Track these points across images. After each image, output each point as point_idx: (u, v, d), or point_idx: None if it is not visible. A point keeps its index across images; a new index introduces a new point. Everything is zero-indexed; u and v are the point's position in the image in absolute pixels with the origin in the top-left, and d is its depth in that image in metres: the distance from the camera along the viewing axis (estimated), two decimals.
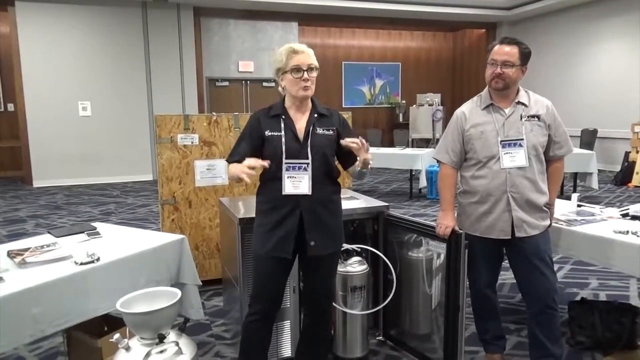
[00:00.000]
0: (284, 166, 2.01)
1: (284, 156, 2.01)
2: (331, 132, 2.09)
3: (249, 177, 1.88)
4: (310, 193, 2.01)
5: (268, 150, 2.05)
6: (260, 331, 2.13)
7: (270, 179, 2.06)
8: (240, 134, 2.17)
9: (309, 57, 2.02)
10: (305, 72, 1.99)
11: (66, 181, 8.66)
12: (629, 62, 8.76)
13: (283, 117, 2.07)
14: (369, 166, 2.05)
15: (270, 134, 2.05)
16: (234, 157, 2.08)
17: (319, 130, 2.06)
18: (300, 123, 2.07)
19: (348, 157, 2.14)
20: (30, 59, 8.31)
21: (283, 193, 2.01)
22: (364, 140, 1.97)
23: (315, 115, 2.09)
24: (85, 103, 8.72)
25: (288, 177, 2.01)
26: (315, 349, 2.24)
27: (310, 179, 2.01)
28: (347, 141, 1.98)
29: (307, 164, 2.01)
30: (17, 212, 6.49)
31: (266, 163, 1.92)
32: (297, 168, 2.02)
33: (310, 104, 2.12)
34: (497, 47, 2.23)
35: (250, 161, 1.91)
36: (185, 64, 9.25)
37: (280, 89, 2.10)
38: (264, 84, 10.18)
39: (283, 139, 2.03)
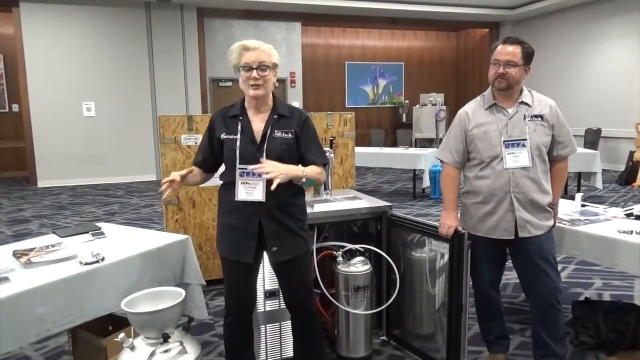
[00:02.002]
0: (238, 171, 1.94)
1: (237, 161, 1.95)
2: (290, 135, 1.99)
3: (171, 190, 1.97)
4: (263, 200, 1.94)
5: (225, 153, 2.00)
6: (239, 332, 2.13)
7: (228, 183, 2.00)
8: (203, 134, 2.13)
9: (262, 54, 1.91)
10: (255, 71, 1.90)
11: (70, 181, 8.70)
12: (633, 61, 8.72)
13: (241, 118, 1.99)
14: (301, 180, 1.94)
15: (226, 137, 1.99)
16: (196, 157, 2.15)
17: (277, 133, 1.97)
18: (259, 124, 1.99)
19: (304, 159, 2.04)
20: (35, 59, 8.34)
21: (236, 199, 1.95)
22: (260, 167, 1.84)
23: (275, 116, 1.99)
24: (89, 103, 8.75)
25: (242, 182, 1.94)
26: (308, 348, 2.22)
27: (264, 185, 1.92)
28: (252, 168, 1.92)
29: None
30: (21, 212, 6.52)
31: (179, 176, 1.99)
32: (251, 174, 1.93)
33: (271, 103, 2.03)
34: (500, 47, 2.23)
35: (174, 175, 1.98)
36: (189, 64, 9.28)
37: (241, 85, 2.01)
38: None
39: (238, 143, 1.95)
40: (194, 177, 2.16)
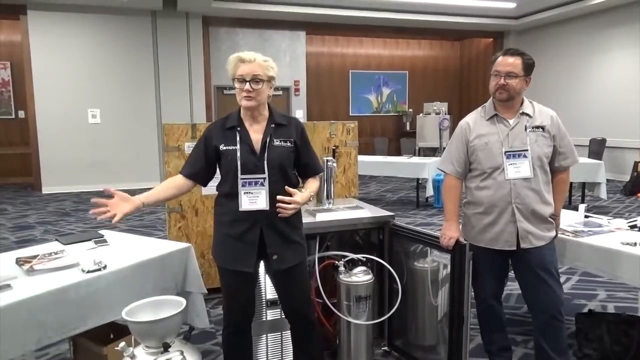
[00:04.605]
0: (240, 182, 1.96)
1: (239, 172, 1.96)
2: (289, 143, 2.03)
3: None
4: (267, 208, 1.96)
5: (224, 164, 2.00)
6: (239, 343, 2.13)
7: (227, 194, 2.01)
8: (195, 146, 2.11)
9: (256, 67, 1.94)
10: (249, 83, 1.93)
11: (75, 188, 8.73)
12: (637, 71, 8.71)
13: (238, 128, 2.00)
14: (308, 201, 2.10)
15: (225, 148, 1.99)
16: (187, 169, 2.08)
17: (276, 142, 2.00)
18: (257, 134, 2.01)
19: (306, 168, 2.13)
20: (41, 66, 8.42)
21: (240, 209, 1.96)
22: (289, 200, 1.95)
23: (272, 125, 2.02)
24: (94, 110, 8.81)
25: (245, 192, 1.96)
26: (308, 357, 2.21)
27: (267, 193, 1.96)
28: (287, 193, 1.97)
29: (264, 178, 1.96)
30: (26, 219, 6.55)
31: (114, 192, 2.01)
32: (253, 183, 1.96)
33: (267, 113, 2.05)
34: (500, 59, 2.24)
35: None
36: (194, 72, 9.33)
37: None
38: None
39: (238, 154, 1.97)
40: (165, 191, 2.13)
